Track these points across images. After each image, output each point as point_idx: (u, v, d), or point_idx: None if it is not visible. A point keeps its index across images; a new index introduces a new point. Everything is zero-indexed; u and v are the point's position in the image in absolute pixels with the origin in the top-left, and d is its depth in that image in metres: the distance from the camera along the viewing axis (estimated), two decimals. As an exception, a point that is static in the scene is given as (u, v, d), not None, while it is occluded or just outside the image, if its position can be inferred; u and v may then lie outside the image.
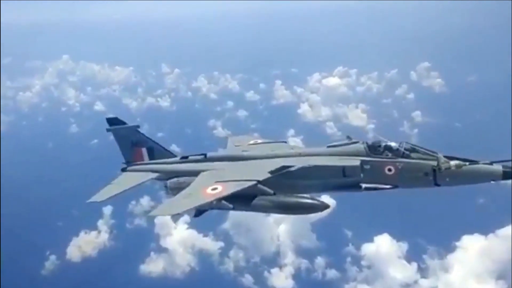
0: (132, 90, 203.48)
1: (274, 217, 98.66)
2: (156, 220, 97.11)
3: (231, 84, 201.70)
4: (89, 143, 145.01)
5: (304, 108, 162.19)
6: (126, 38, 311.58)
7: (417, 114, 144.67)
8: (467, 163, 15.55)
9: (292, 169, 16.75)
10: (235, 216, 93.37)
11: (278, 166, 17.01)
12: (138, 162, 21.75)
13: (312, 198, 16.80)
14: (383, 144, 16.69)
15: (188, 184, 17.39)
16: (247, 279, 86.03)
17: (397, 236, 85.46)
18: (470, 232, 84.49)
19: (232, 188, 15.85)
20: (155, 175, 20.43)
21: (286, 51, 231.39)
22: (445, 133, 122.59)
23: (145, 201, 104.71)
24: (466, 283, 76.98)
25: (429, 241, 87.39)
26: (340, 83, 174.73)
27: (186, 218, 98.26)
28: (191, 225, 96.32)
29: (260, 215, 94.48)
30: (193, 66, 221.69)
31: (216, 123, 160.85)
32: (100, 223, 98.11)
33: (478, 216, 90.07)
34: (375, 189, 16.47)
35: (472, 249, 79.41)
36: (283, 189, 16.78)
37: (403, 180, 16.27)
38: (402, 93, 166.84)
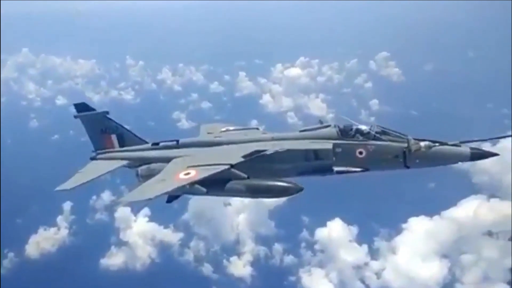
0: (95, 83, 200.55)
1: (234, 206, 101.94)
2: (116, 214, 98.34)
3: (195, 76, 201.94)
4: (50, 138, 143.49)
5: (266, 99, 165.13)
6: (89, 29, 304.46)
7: (374, 103, 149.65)
8: (437, 144, 15.73)
9: (265, 153, 16.67)
10: (195, 206, 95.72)
11: (251, 150, 16.90)
12: (108, 150, 21.09)
13: (285, 181, 16.42)
14: (355, 127, 16.67)
15: (160, 171, 17.19)
16: (207, 268, 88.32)
17: (349, 220, 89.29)
18: (417, 214, 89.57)
19: (205, 173, 15.74)
20: (125, 162, 19.96)
21: (250, 43, 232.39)
22: (402, 121, 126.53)
23: (106, 195, 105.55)
24: (412, 263, 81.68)
25: (381, 224, 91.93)
26: (301, 74, 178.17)
27: (147, 210, 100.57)
28: (151, 218, 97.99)
29: (219, 205, 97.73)
30: (158, 58, 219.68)
31: (180, 115, 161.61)
32: (59, 219, 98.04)
33: (426, 199, 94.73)
34: (346, 172, 16.41)
35: (418, 230, 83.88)
36: (256, 174, 16.56)
37: (374, 163, 16.36)
38: (361, 82, 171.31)
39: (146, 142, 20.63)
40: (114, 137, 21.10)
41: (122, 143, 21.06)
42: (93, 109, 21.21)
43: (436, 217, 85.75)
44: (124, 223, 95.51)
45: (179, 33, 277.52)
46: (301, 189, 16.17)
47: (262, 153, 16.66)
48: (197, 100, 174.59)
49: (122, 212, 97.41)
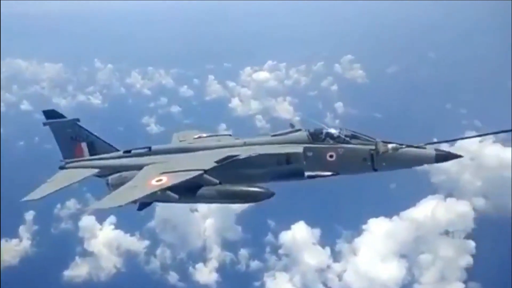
0: (62, 88, 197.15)
1: (201, 212, 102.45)
2: (80, 223, 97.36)
3: (165, 80, 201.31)
4: (15, 145, 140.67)
5: (235, 102, 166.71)
6: (56, 32, 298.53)
7: (339, 105, 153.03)
8: (403, 146, 15.94)
9: (237, 158, 16.64)
10: (162, 213, 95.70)
11: (223, 155, 16.87)
12: (78, 159, 20.64)
13: (257, 186, 16.49)
14: (325, 131, 16.84)
15: (131, 179, 17.03)
16: (173, 276, 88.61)
17: (313, 222, 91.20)
18: (377, 215, 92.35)
19: (177, 179, 15.68)
20: (96, 171, 19.57)
21: (220, 46, 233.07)
22: (366, 123, 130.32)
23: (72, 204, 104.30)
24: (372, 264, 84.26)
25: (344, 226, 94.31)
26: (269, 77, 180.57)
27: (112, 218, 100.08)
28: (117, 225, 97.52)
29: (186, 211, 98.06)
30: (127, 61, 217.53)
31: (149, 120, 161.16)
32: (21, 229, 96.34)
33: (387, 199, 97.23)
34: (317, 176, 16.51)
35: (378, 231, 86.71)
36: (229, 179, 16.57)
37: (344, 166, 16.45)
38: (327, 85, 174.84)
39: (118, 150, 20.46)
40: (84, 145, 20.79)
41: (92, 151, 20.75)
42: (63, 116, 20.97)
43: (395, 218, 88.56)
44: (89, 232, 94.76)
45: (149, 36, 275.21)
46: (272, 194, 16.29)
47: (234, 158, 16.66)
48: (167, 104, 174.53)
49: (87, 220, 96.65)
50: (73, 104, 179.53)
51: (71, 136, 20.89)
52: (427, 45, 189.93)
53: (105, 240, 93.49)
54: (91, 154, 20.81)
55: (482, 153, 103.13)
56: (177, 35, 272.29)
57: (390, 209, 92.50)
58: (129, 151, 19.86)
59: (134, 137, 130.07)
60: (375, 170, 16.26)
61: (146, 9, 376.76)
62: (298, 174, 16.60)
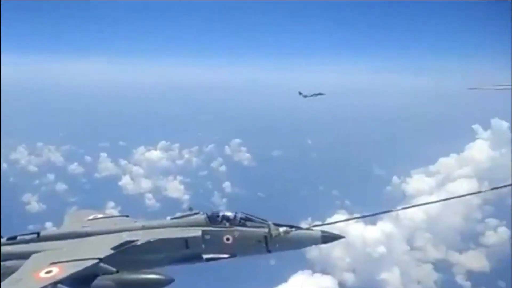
0: None
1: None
2: None
3: (54, 156, 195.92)
4: None
5: (125, 180, 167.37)
6: None
7: (227, 185, 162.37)
8: (293, 229, 16.32)
9: (136, 243, 16.00)
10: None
11: (121, 241, 16.06)
12: None
13: (156, 273, 16.46)
14: (221, 213, 17.02)
15: (16, 269, 15.31)
16: None
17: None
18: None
19: (70, 269, 14.53)
20: None
21: (115, 125, 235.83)
22: (250, 202, 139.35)
23: None
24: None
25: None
26: (162, 157, 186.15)
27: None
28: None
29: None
30: (14, 136, 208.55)
31: (31, 198, 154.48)
32: None
33: (264, 276, 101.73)
34: (215, 259, 16.54)
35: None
36: (127, 265, 16.07)
37: (240, 248, 16.58)
38: (216, 166, 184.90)
39: (0, 237, 18.51)
40: None
41: None
42: None
43: None
44: None
45: (41, 111, 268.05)
46: (172, 280, 16.55)
47: (132, 243, 16.05)
48: (53, 181, 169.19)
49: None
50: None
51: None
52: (306, 134, 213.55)
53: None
54: None
55: (348, 231, 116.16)
56: (73, 112, 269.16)
57: (266, 285, 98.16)
58: (14, 238, 17.76)
59: (9, 217, 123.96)
60: (269, 251, 16.59)
61: (38, 82, 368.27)
62: (196, 258, 16.54)
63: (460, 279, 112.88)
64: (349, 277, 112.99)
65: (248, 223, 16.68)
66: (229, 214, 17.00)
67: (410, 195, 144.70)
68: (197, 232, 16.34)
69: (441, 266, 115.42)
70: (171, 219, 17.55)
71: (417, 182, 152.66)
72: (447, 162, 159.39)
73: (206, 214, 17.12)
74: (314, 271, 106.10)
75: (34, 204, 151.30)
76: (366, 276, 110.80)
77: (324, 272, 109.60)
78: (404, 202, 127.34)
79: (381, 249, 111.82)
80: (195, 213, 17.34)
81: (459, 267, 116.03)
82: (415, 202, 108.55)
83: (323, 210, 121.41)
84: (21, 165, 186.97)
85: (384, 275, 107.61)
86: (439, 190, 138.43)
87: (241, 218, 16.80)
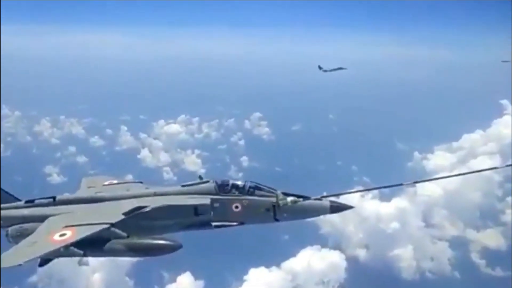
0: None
1: (92, 265, 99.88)
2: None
3: (76, 129, 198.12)
4: None
5: (144, 153, 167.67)
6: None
7: (244, 159, 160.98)
8: (301, 199, 16.68)
9: (146, 209, 16.58)
10: (45, 266, 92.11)
11: (132, 207, 16.67)
12: None
13: (165, 239, 16.75)
14: (231, 182, 17.44)
15: (33, 231, 16.15)
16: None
17: (199, 274, 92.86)
18: (266, 265, 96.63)
19: (82, 233, 15.11)
20: None
21: (136, 98, 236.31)
22: (267, 176, 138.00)
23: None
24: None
25: (235, 277, 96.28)
26: (181, 130, 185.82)
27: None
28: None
29: (73, 263, 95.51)
30: (38, 108, 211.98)
31: (52, 170, 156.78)
32: None
33: (276, 250, 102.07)
34: (224, 226, 16.98)
35: (257, 281, 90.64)
36: (138, 230, 16.51)
37: (248, 216, 16.99)
38: (236, 140, 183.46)
39: (19, 200, 19.42)
40: None
41: None
42: None
43: (273, 268, 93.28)
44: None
45: (65, 84, 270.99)
46: (180, 246, 16.70)
47: (143, 209, 16.60)
48: (74, 153, 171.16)
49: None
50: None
51: None
52: (328, 108, 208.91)
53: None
54: None
55: (362, 207, 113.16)
56: (97, 86, 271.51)
57: (276, 259, 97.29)
58: (32, 201, 18.75)
59: (32, 187, 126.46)
60: (277, 220, 17.02)
61: (64, 54, 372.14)
62: (205, 224, 17.05)
63: (475, 257, 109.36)
64: (361, 253, 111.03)
65: (257, 192, 17.08)
66: (238, 183, 17.45)
67: (430, 171, 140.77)
68: (206, 199, 16.87)
69: (457, 243, 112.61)
70: (182, 186, 17.95)
71: (438, 159, 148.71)
72: (471, 138, 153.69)
73: (216, 182, 17.51)
74: (327, 247, 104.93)
75: (55, 176, 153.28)
76: (379, 252, 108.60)
77: (337, 247, 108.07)
78: (422, 178, 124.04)
79: (395, 225, 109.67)
80: (205, 182, 17.77)
81: (475, 245, 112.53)
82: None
83: (340, 185, 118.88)
84: (44, 137, 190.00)
85: (397, 251, 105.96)
86: (460, 166, 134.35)
87: (250, 187, 17.18)
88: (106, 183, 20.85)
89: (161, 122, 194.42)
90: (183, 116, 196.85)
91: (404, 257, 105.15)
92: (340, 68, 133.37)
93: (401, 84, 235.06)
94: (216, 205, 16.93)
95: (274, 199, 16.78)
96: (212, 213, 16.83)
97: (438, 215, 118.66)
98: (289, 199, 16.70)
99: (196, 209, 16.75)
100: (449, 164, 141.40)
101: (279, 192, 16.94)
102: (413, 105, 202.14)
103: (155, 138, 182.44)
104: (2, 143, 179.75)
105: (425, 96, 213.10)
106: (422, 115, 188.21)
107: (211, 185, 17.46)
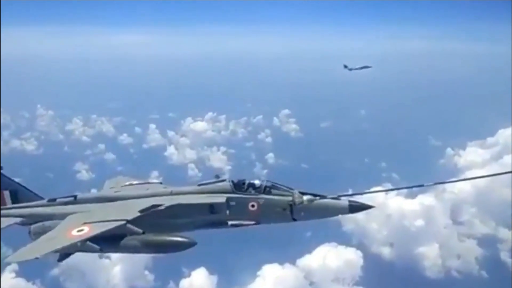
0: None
1: (112, 259, 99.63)
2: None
3: (106, 127, 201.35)
4: None
5: (170, 151, 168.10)
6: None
7: (270, 156, 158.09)
8: (318, 198, 16.56)
9: (161, 207, 16.90)
10: (67, 260, 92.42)
11: (148, 205, 17.09)
12: None
13: (180, 236, 16.76)
14: (247, 181, 17.41)
15: (53, 229, 16.72)
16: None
17: (213, 269, 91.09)
18: (280, 262, 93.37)
19: (99, 229, 15.57)
20: (18, 220, 19.22)
21: (166, 97, 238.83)
22: (292, 173, 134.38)
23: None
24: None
25: (249, 272, 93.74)
26: (207, 128, 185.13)
27: (14, 266, 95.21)
28: (19, 273, 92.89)
29: (94, 257, 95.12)
30: (71, 108, 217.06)
31: (81, 167, 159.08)
32: None
33: (293, 246, 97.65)
34: (240, 225, 16.99)
35: (270, 277, 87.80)
36: (153, 228, 16.72)
37: (264, 216, 16.98)
38: (263, 137, 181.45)
39: (42, 198, 20.12)
40: (6, 194, 20.33)
41: (15, 200, 20.40)
42: None
43: (287, 265, 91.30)
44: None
45: (95, 84, 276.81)
46: (194, 243, 16.66)
47: (158, 207, 16.92)
48: (102, 151, 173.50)
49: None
50: (5, 150, 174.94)
51: None
52: (359, 104, 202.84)
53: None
54: (13, 203, 20.46)
55: (387, 204, 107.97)
56: (123, 84, 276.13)
57: (291, 256, 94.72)
58: (54, 200, 19.56)
59: (61, 184, 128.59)
60: (294, 220, 16.92)
61: (97, 56, 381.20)
62: (221, 223, 17.19)
63: (504, 255, 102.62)
64: (385, 251, 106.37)
65: (274, 191, 17.01)
66: (255, 181, 17.43)
67: (461, 167, 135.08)
68: (222, 198, 16.97)
69: (486, 242, 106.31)
70: (198, 185, 18.13)
71: (470, 155, 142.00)
72: (507, 134, 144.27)
73: (232, 181, 17.57)
74: (350, 245, 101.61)
75: (83, 173, 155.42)
76: (403, 250, 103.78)
77: (360, 245, 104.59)
78: (453, 175, 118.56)
79: (420, 223, 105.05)
80: (221, 180, 17.86)
81: (506, 244, 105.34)
82: (465, 175, 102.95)
83: (367, 183, 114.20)
84: (75, 136, 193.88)
85: (422, 249, 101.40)
86: (493, 163, 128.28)
87: (266, 186, 17.12)
88: (127, 183, 21.76)
89: (189, 119, 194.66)
90: (210, 113, 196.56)
91: (429, 255, 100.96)
92: (366, 67, 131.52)
93: (434, 78, 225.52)
94: (232, 203, 16.98)
95: (290, 198, 16.67)
96: (228, 211, 16.94)
97: (467, 213, 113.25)
98: (305, 197, 16.56)
99: (212, 207, 16.94)
100: (482, 161, 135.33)
101: (295, 191, 16.80)
102: (450, 100, 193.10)
103: (182, 136, 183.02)
104: (35, 141, 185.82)
105: (463, 89, 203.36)
106: (459, 109, 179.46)
107: (227, 184, 17.53)
